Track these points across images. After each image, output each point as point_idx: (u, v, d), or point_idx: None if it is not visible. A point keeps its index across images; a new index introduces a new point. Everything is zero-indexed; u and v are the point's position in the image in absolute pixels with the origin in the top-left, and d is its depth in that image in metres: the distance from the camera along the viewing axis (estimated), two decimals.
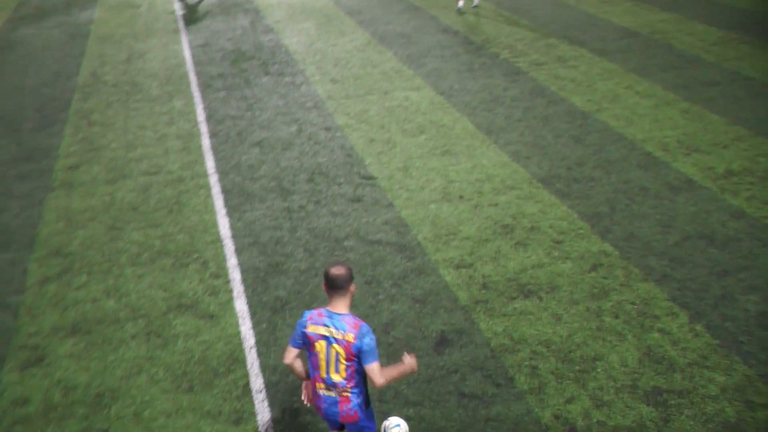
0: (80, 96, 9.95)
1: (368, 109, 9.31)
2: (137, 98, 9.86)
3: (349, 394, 3.18)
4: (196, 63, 11.38)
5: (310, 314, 3.18)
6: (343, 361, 3.09)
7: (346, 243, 6.17)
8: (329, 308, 3.17)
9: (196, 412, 4.31)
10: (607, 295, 5.31)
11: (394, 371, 3.19)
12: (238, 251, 6.11)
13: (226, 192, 7.18)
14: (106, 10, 14.92)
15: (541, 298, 5.31)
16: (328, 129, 8.70)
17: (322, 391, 3.21)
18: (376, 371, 3.08)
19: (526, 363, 4.64)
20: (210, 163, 7.84)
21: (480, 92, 9.71)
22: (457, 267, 5.76)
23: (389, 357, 4.76)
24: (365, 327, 3.12)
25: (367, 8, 14.85)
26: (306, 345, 3.18)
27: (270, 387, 4.54)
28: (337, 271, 3.12)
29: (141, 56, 11.75)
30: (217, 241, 6.29)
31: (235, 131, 8.70)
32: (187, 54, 11.87)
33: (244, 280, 5.69)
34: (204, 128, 8.80)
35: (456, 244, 6.10)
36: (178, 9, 14.98)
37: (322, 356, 3.12)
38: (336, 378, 3.14)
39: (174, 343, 4.97)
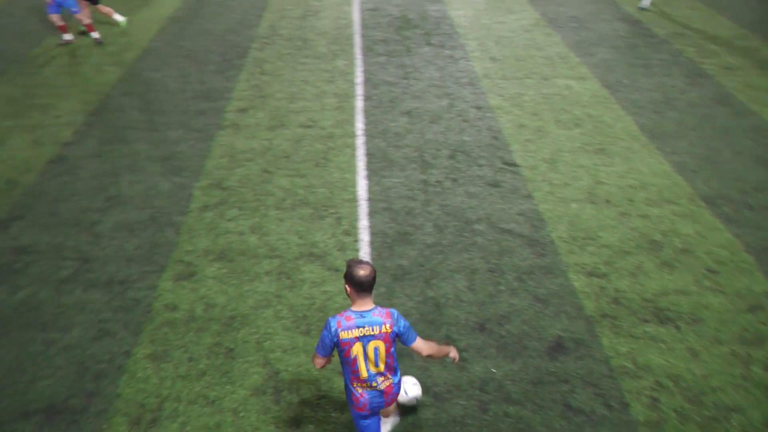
0: (258, 46, 10.83)
1: (524, 93, 8.97)
2: (305, 53, 10.48)
3: (390, 381, 3.32)
4: (363, 26, 11.75)
5: (338, 321, 3.15)
6: (383, 354, 3.20)
7: (476, 226, 6.10)
8: (355, 309, 3.18)
9: (309, 354, 4.63)
10: (763, 343, 4.68)
11: (435, 347, 3.39)
12: (371, 214, 6.33)
13: (369, 155, 7.44)
14: None
15: (678, 328, 4.83)
16: (479, 108, 8.55)
17: (364, 390, 3.28)
18: (421, 346, 3.30)
19: (647, 393, 4.29)
20: (360, 125, 8.14)
21: (652, 91, 8.86)
22: (589, 274, 5.43)
23: (498, 350, 4.68)
24: (395, 312, 3.23)
25: None
26: (339, 353, 3.22)
27: None
28: (366, 272, 3.10)
29: (315, 14, 12.42)
30: (354, 200, 6.57)
31: (389, 97, 8.90)
32: (356, 16, 12.30)
33: (372, 243, 5.90)
34: (360, 90, 9.13)
35: (593, 250, 5.74)
36: None
37: (360, 358, 3.17)
38: (377, 370, 3.23)
39: (300, 287, 5.35)
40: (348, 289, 3.18)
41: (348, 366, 3.24)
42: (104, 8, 11.11)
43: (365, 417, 3.40)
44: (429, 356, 3.39)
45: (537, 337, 4.80)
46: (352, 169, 7.15)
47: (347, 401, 3.44)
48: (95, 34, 10.79)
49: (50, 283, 5.43)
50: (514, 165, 7.18)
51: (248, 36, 11.26)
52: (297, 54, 10.47)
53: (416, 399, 4.05)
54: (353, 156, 7.43)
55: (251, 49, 10.65)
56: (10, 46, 10.79)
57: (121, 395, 4.35)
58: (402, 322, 3.23)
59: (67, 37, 10.70)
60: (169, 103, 8.78)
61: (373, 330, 3.14)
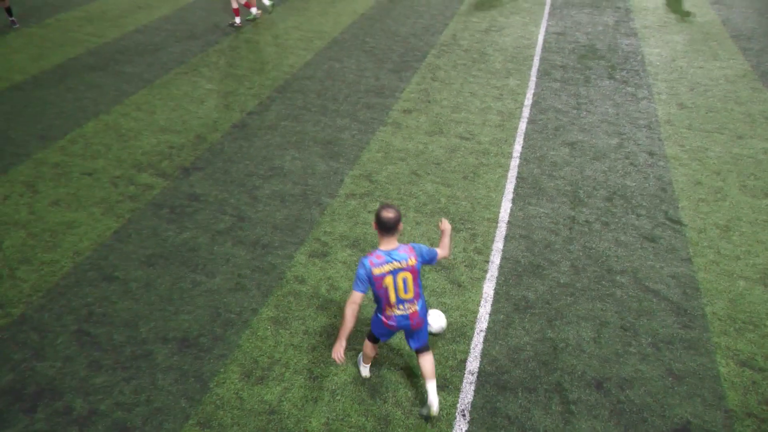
0: (436, 52, 11.10)
1: (709, 149, 8.05)
2: (480, 67, 10.50)
3: (415, 307, 3.89)
4: (545, 49, 11.44)
5: (369, 260, 3.71)
6: (411, 283, 3.79)
7: (618, 277, 5.64)
8: (383, 248, 3.75)
9: (414, 360, 4.65)
10: None
11: (446, 240, 3.99)
12: (508, 238, 6.16)
13: (520, 179, 7.24)
14: None
15: None
16: (651, 154, 7.87)
17: (394, 312, 3.87)
18: (440, 253, 3.94)
19: None
20: (517, 147, 7.96)
21: None
22: (742, 364, 4.73)
23: (612, 414, 4.28)
24: (416, 245, 3.83)
25: (762, 35, 12.53)
26: (372, 285, 3.75)
27: (482, 374, 4.59)
28: (390, 213, 3.65)
29: (499, 30, 12.38)
30: (494, 221, 6.45)
31: (554, 125, 8.57)
32: (540, 38, 12.02)
33: (501, 267, 5.75)
34: (526, 113, 8.92)
35: (753, 337, 4.98)
36: None
37: (390, 288, 3.76)
38: (406, 296, 3.82)
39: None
40: (377, 229, 3.73)
41: (381, 297, 3.81)
42: None
43: (390, 333, 4.07)
44: (445, 254, 3.99)
45: (661, 414, 4.30)
46: (499, 189, 7.02)
47: (372, 323, 4.12)
48: (254, 10, 12.11)
49: (209, 231, 6.14)
50: (679, 223, 6.49)
51: (429, 42, 11.59)
52: (471, 66, 10.54)
53: (442, 328, 4.78)
54: (503, 177, 7.29)
55: (429, 55, 10.95)
56: (227, 20, 12.35)
57: (241, 347, 4.78)
58: (424, 250, 3.84)
59: (254, 11, 12.04)
60: (343, 92, 9.39)
61: (401, 263, 3.73)
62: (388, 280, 3.72)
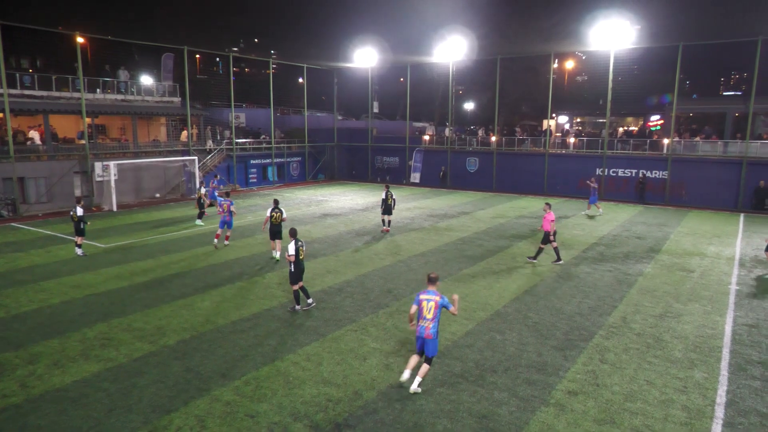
0: (604, 333, 10.60)
1: None
2: (656, 354, 9.65)
3: (431, 324, 8.10)
4: (735, 341, 10.26)
5: (421, 294, 8.21)
6: (433, 308, 8.06)
7: None
8: (428, 289, 8.25)
9: None
10: None
11: (456, 306, 8.22)
12: None
13: None
14: (658, 267, 15.77)
15: None
16: None
17: (422, 323, 8.12)
18: (452, 308, 8.14)
19: None
20: None
21: None
22: None
23: None
24: (443, 297, 8.20)
25: None
26: (417, 304, 8.15)
27: None
28: (433, 275, 8.35)
29: (676, 317, 11.61)
30: None
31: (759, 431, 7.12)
32: (728, 329, 10.92)
33: None
34: (720, 412, 7.64)
35: None
36: (735, 283, 14.22)
37: (425, 307, 8.09)
38: (429, 316, 8.08)
39: None
40: (427, 282, 8.36)
41: (420, 311, 8.14)
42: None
43: (418, 337, 8.25)
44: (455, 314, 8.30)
45: None
46: None
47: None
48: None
49: None
50: None
51: (597, 322, 11.22)
52: (646, 352, 9.74)
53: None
54: None
55: (596, 336, 10.49)
56: (401, 287, 13.58)
57: None
58: (444, 300, 8.11)
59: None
60: (503, 365, 9.16)
61: (432, 297, 8.12)
62: (424, 303, 8.10)
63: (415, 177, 40.46)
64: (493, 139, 37.84)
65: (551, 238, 15.96)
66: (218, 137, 37.12)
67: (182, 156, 31.93)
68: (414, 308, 8.17)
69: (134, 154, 31.05)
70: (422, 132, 44.58)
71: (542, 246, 16.24)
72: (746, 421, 7.41)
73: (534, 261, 16.27)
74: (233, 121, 37.18)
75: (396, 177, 41.21)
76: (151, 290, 13.31)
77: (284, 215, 16.28)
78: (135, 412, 7.59)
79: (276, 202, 16.43)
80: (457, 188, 37.14)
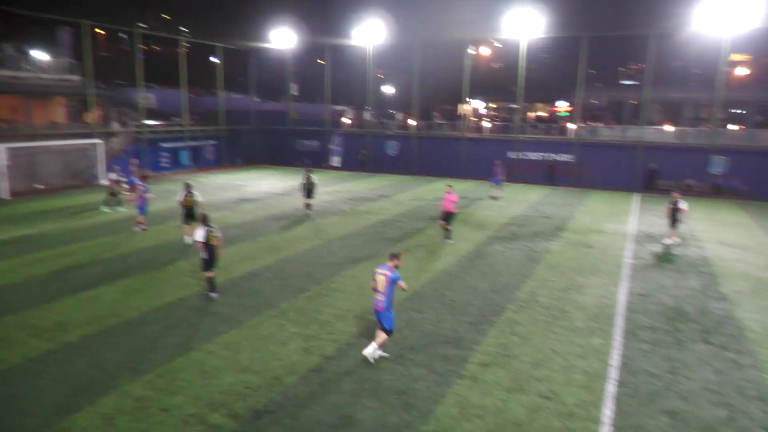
0: (515, 308, 11.22)
1: None
2: (560, 324, 10.36)
3: (383, 298, 8.41)
4: (629, 309, 11.23)
5: (377, 268, 8.59)
6: (383, 282, 8.40)
7: None
8: (384, 264, 8.63)
9: None
10: None
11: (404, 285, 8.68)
12: None
13: None
14: (563, 245, 16.85)
15: None
16: None
17: (376, 296, 8.49)
18: (402, 284, 8.53)
19: None
20: (607, 412, 7.26)
21: None
22: None
23: None
24: (395, 273, 8.48)
25: None
26: (374, 279, 8.55)
27: None
28: (395, 251, 8.82)
29: (578, 289, 12.50)
30: None
31: (648, 389, 7.88)
32: (622, 298, 11.92)
33: None
34: (614, 374, 8.36)
35: None
36: (629, 257, 15.49)
37: (378, 281, 8.46)
38: (380, 289, 8.41)
39: None
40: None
41: (374, 285, 8.53)
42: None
43: (375, 312, 8.71)
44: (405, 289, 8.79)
45: None
46: None
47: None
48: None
49: None
50: None
51: (508, 297, 11.84)
52: (551, 323, 10.43)
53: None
54: None
55: (507, 310, 11.07)
56: (321, 270, 13.57)
57: None
58: (395, 275, 8.44)
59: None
60: (420, 342, 9.45)
61: (383, 271, 8.47)
62: (377, 277, 8.50)
63: (336, 161, 40.29)
64: (412, 123, 38.41)
65: (450, 219, 16.66)
66: (126, 119, 34.87)
67: (85, 139, 29.71)
68: (372, 283, 8.61)
69: (29, 136, 28.47)
70: (342, 115, 44.31)
71: (444, 223, 16.86)
72: (636, 380, 8.17)
73: (451, 241, 16.82)
74: (142, 102, 35.03)
75: (316, 161, 40.81)
76: (49, 283, 12.38)
77: (198, 199, 15.71)
78: (32, 416, 7.08)
79: (188, 186, 15.80)
80: (378, 172, 37.43)
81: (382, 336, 8.59)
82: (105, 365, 8.45)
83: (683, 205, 16.77)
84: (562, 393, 7.76)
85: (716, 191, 29.51)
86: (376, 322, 8.81)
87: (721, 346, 9.44)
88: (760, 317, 10.89)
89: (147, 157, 34.44)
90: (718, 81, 29.98)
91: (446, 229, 16.94)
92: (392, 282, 8.39)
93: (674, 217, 16.87)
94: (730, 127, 34.15)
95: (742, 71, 51.94)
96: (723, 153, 29.58)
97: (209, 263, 11.26)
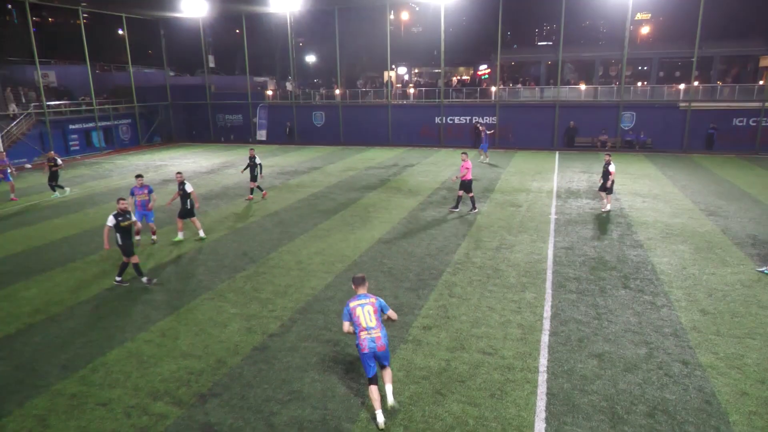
0: (451, 270, 11.57)
1: (744, 355, 7.73)
2: (495, 282, 10.81)
3: (379, 332, 6.39)
4: (556, 263, 11.88)
5: (350, 301, 6.55)
6: (372, 312, 6.43)
7: None
8: (357, 294, 6.65)
9: None
10: None
11: (394, 315, 6.69)
12: None
13: (551, 395, 6.86)
14: (493, 206, 17.46)
15: None
16: (685, 363, 7.55)
17: (365, 335, 6.35)
18: (392, 313, 6.65)
19: None
20: (543, 361, 7.72)
21: None
22: None
23: None
24: (378, 298, 6.64)
25: (765, 242, 13.02)
26: (351, 316, 6.43)
27: None
28: (360, 276, 6.82)
29: (509, 247, 13.05)
30: None
31: (577, 336, 8.44)
32: (549, 253, 12.58)
33: None
34: (546, 325, 8.87)
35: None
36: (554, 213, 16.31)
37: (361, 315, 6.39)
38: (372, 324, 6.39)
39: None
40: (353, 287, 6.74)
41: (356, 323, 6.41)
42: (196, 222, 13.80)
43: (368, 357, 6.36)
44: (394, 320, 6.75)
45: None
46: (530, 408, 6.61)
47: (357, 348, 6.46)
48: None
49: None
50: None
51: (444, 261, 12.17)
52: (486, 282, 10.86)
53: None
54: (533, 393, 6.93)
55: (445, 273, 11.39)
56: (256, 248, 13.30)
57: None
58: (382, 302, 6.63)
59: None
60: None
61: (365, 301, 6.52)
62: (359, 311, 6.46)
63: (261, 134, 39.18)
64: (337, 92, 37.88)
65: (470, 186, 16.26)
66: (23, 100, 31.97)
67: None
68: (347, 325, 6.39)
69: None
70: (264, 87, 42.92)
71: (461, 194, 16.61)
72: (566, 328, 8.72)
73: (476, 210, 16.56)
74: (40, 80, 32.16)
75: (241, 135, 39.50)
76: None
77: (189, 189, 13.78)
78: None
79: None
80: (305, 143, 36.84)
81: (389, 373, 6.60)
82: (31, 365, 7.94)
83: (612, 167, 16.14)
84: (501, 347, 8.16)
85: (626, 145, 31.50)
86: (377, 359, 6.49)
87: (639, 290, 10.24)
88: (670, 260, 11.87)
89: (54, 141, 31.92)
90: (624, 39, 31.62)
91: (471, 198, 16.43)
92: (380, 309, 6.55)
93: (606, 179, 16.04)
94: (637, 84, 36.30)
95: (645, 30, 55.01)
96: (631, 109, 31.49)
97: (126, 249, 10.78)
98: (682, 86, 31.83)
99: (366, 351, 6.28)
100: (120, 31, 40.24)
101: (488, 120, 33.75)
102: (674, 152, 29.93)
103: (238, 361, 7.94)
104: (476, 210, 16.61)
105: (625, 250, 12.69)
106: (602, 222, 15.19)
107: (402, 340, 8.44)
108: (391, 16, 38.41)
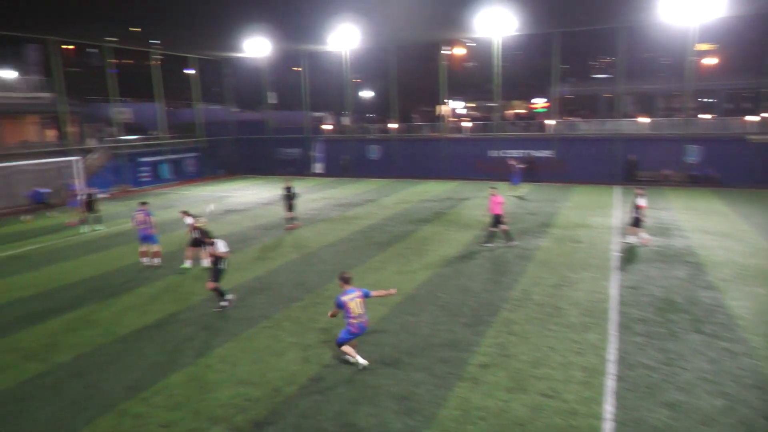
0: (509, 307, 11.27)
1: None
2: (555, 321, 10.43)
3: (365, 317, 8.66)
4: (621, 303, 11.36)
5: (341, 296, 8.53)
6: (361, 303, 8.59)
7: None
8: (347, 290, 8.64)
9: None
10: None
11: (380, 292, 9.11)
12: None
13: None
14: (552, 241, 17.00)
15: None
16: None
17: (356, 321, 8.53)
18: (377, 292, 9.05)
19: None
20: (609, 408, 7.31)
21: None
22: None
23: None
24: (363, 289, 8.84)
25: None
26: (343, 307, 8.51)
27: None
28: (347, 275, 8.81)
29: (570, 285, 12.60)
30: None
31: (646, 382, 7.97)
32: (613, 292, 12.05)
33: None
34: (612, 368, 8.43)
35: None
36: (617, 250, 15.69)
37: (353, 307, 8.51)
38: (361, 311, 8.57)
39: None
40: (341, 284, 8.76)
41: (347, 313, 8.49)
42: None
43: (354, 335, 8.63)
44: (378, 296, 9.03)
45: None
46: None
47: (342, 334, 8.68)
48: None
49: None
50: None
51: (502, 297, 11.88)
52: (547, 320, 10.49)
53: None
54: None
55: (502, 309, 11.11)
56: (313, 278, 13.47)
57: None
58: (365, 291, 8.81)
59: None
60: (418, 346, 9.43)
61: (354, 295, 8.58)
62: (352, 303, 8.51)
63: (319, 167, 40.17)
64: (393, 126, 38.48)
65: (502, 220, 16.29)
66: (102, 135, 34.30)
67: (60, 157, 29.12)
68: (335, 310, 8.73)
69: (1, 157, 27.80)
70: (322, 122, 44.23)
71: (492, 230, 16.61)
72: (634, 373, 8.25)
73: (516, 242, 16.54)
74: (117, 116, 34.48)
75: (299, 168, 40.64)
76: (35, 304, 12.09)
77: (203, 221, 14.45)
78: None
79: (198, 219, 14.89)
80: (360, 176, 37.41)
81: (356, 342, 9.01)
82: (100, 385, 8.27)
83: (642, 201, 15.95)
84: (563, 390, 7.81)
85: (692, 180, 30.12)
86: (362, 336, 8.88)
87: (713, 335, 9.60)
88: (749, 304, 11.10)
89: (126, 173, 33.93)
90: (687, 71, 30.63)
91: (505, 232, 16.42)
92: (365, 296, 8.80)
93: (635, 214, 16.02)
94: (701, 116, 34.89)
95: (709, 61, 53.17)
96: (696, 142, 30.23)
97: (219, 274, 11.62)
98: (749, 118, 30.34)
99: (356, 331, 8.58)
100: (188, 71, 42.72)
101: (544, 153, 33.26)
102: (744, 187, 28.36)
103: (294, 390, 7.97)
104: (515, 242, 16.49)
105: (695, 291, 11.99)
106: (669, 260, 14.45)
107: (458, 378, 8.24)
108: (446, 52, 38.93)
